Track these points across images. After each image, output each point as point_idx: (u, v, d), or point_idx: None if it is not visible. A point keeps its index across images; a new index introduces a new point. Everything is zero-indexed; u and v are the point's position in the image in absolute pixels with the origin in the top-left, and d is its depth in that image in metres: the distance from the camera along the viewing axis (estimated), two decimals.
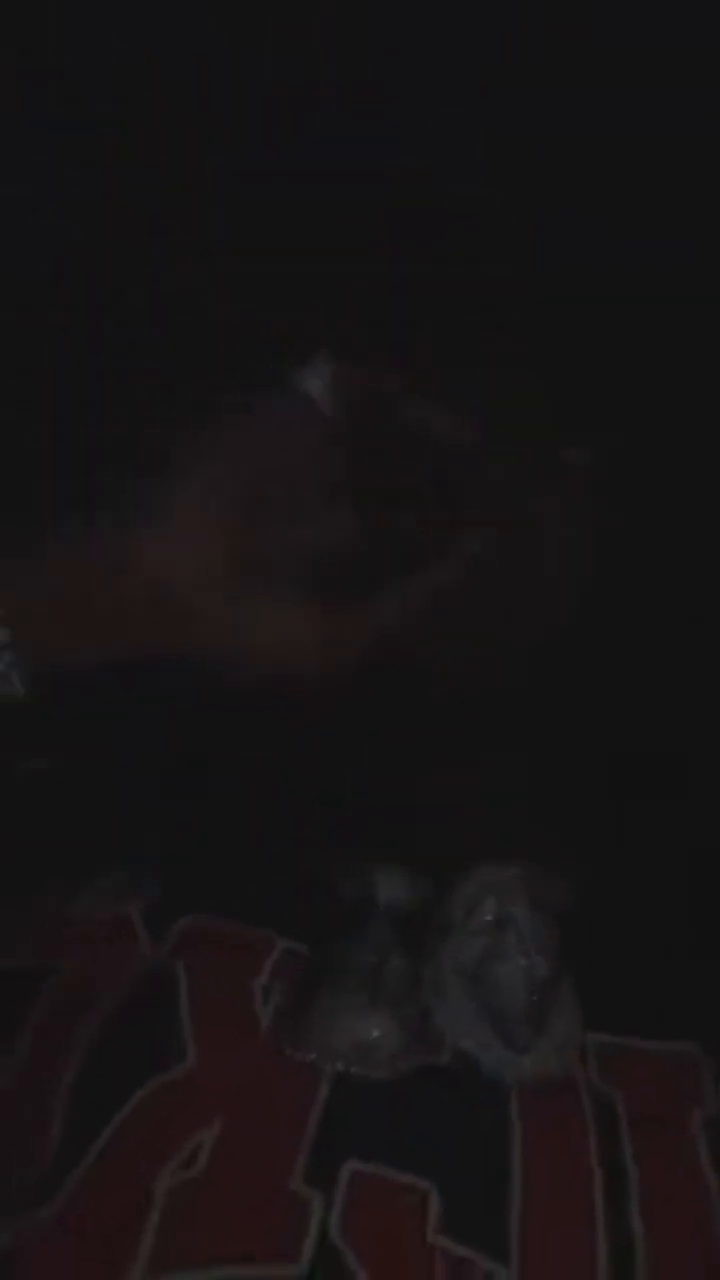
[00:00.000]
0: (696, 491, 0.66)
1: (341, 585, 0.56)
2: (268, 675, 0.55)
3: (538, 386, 0.65)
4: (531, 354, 0.66)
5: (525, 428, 0.63)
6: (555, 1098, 0.56)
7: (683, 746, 0.65)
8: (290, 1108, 0.53)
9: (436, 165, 0.73)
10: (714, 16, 0.75)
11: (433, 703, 0.64)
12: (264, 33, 0.79)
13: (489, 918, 0.58)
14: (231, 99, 0.80)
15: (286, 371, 0.57)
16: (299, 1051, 0.55)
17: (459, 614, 0.59)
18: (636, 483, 0.65)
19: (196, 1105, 0.53)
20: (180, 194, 0.75)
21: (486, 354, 0.66)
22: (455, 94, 0.78)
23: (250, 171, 0.74)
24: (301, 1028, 0.55)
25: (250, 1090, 0.54)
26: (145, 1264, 0.49)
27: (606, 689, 0.64)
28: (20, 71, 0.80)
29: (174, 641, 0.54)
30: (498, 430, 0.62)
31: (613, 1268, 0.51)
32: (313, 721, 0.64)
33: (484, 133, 0.70)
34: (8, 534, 0.53)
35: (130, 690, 0.54)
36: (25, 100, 0.78)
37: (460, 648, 0.63)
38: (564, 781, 0.65)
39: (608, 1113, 0.55)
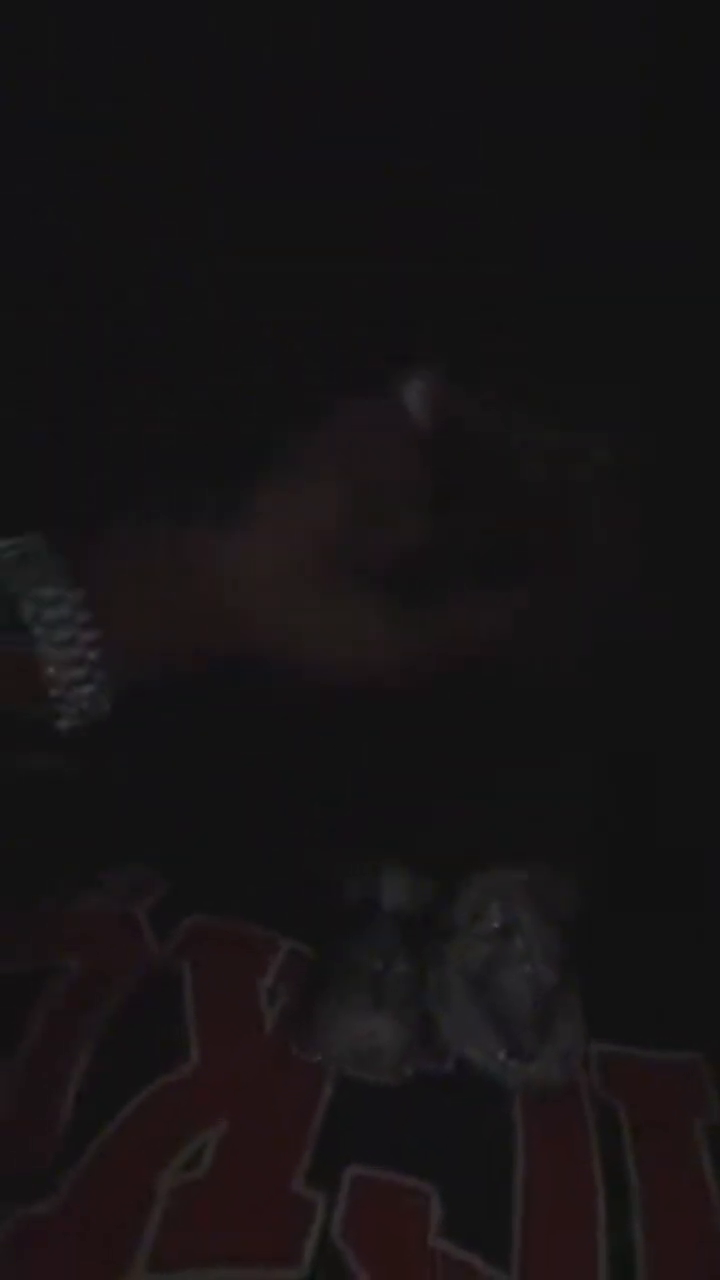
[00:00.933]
0: None
1: (421, 592, 0.55)
2: (345, 681, 0.55)
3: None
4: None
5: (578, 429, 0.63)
6: (558, 1105, 0.55)
7: (691, 752, 0.65)
8: (293, 1109, 0.53)
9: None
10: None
11: (443, 704, 0.64)
12: (264, 33, 0.79)
13: (495, 923, 0.58)
14: (232, 99, 0.80)
15: (381, 379, 0.56)
16: (303, 1053, 0.55)
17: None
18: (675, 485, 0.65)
19: (200, 1105, 0.53)
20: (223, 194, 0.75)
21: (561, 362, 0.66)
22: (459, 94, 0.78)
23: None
24: (305, 1030, 0.55)
25: (254, 1091, 0.54)
26: (145, 1262, 0.49)
27: (615, 692, 0.64)
28: (20, 72, 0.80)
29: (260, 649, 0.53)
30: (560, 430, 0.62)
31: (613, 1275, 0.51)
32: (319, 722, 0.64)
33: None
34: (101, 552, 0.53)
35: (145, 694, 0.54)
36: (26, 100, 0.78)
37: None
38: (571, 787, 0.65)
39: (610, 1121, 0.55)
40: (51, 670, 0.50)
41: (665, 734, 0.65)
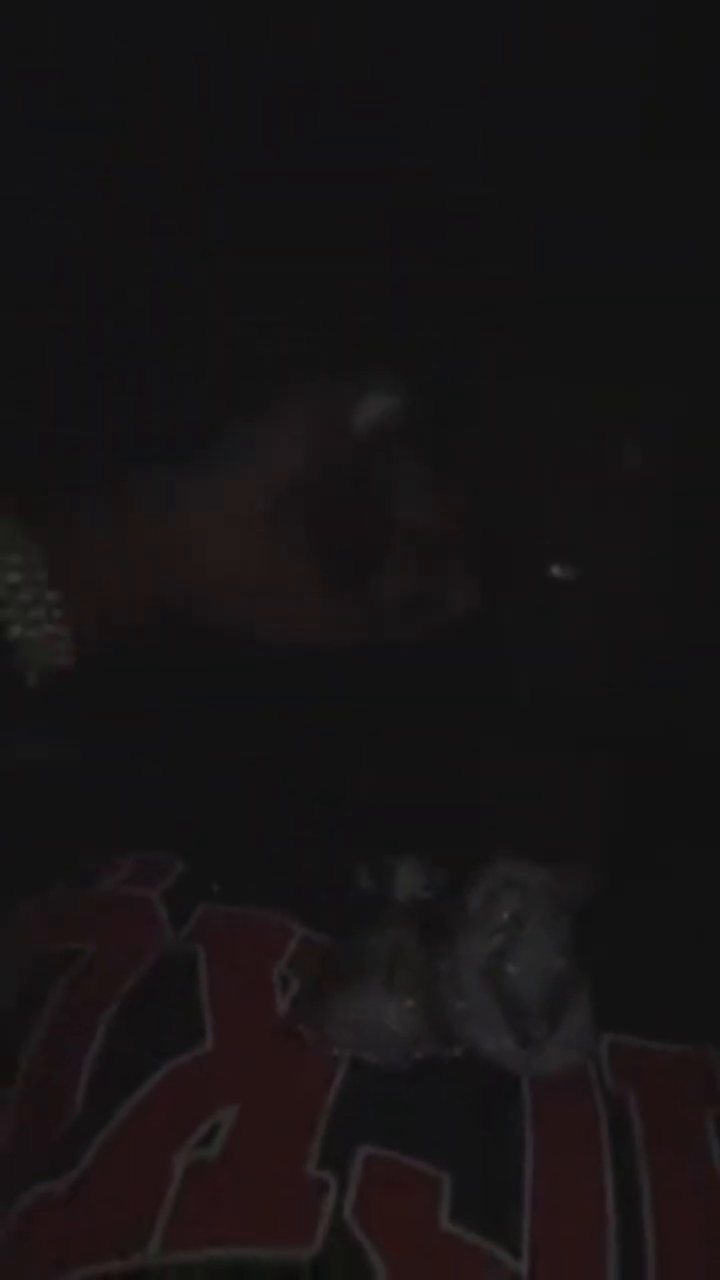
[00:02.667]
0: None
1: (360, 569, 0.58)
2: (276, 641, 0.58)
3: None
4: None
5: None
6: (568, 1093, 0.55)
7: (703, 742, 0.65)
8: (306, 1092, 0.53)
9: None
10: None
11: (457, 696, 0.64)
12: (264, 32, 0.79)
13: (506, 914, 0.58)
14: (231, 98, 0.80)
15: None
16: (315, 1039, 0.54)
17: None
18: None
19: (214, 1087, 0.53)
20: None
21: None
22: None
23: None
24: (317, 1015, 0.55)
25: (267, 1074, 0.53)
26: (160, 1239, 0.49)
27: (627, 683, 0.64)
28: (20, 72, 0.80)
29: (204, 602, 0.56)
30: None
31: (622, 1263, 0.50)
32: (335, 712, 0.64)
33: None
34: (57, 496, 0.54)
35: (156, 675, 0.55)
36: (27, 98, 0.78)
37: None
38: (582, 776, 0.65)
39: (620, 1109, 0.55)
40: (16, 630, 0.51)
41: (677, 724, 0.64)
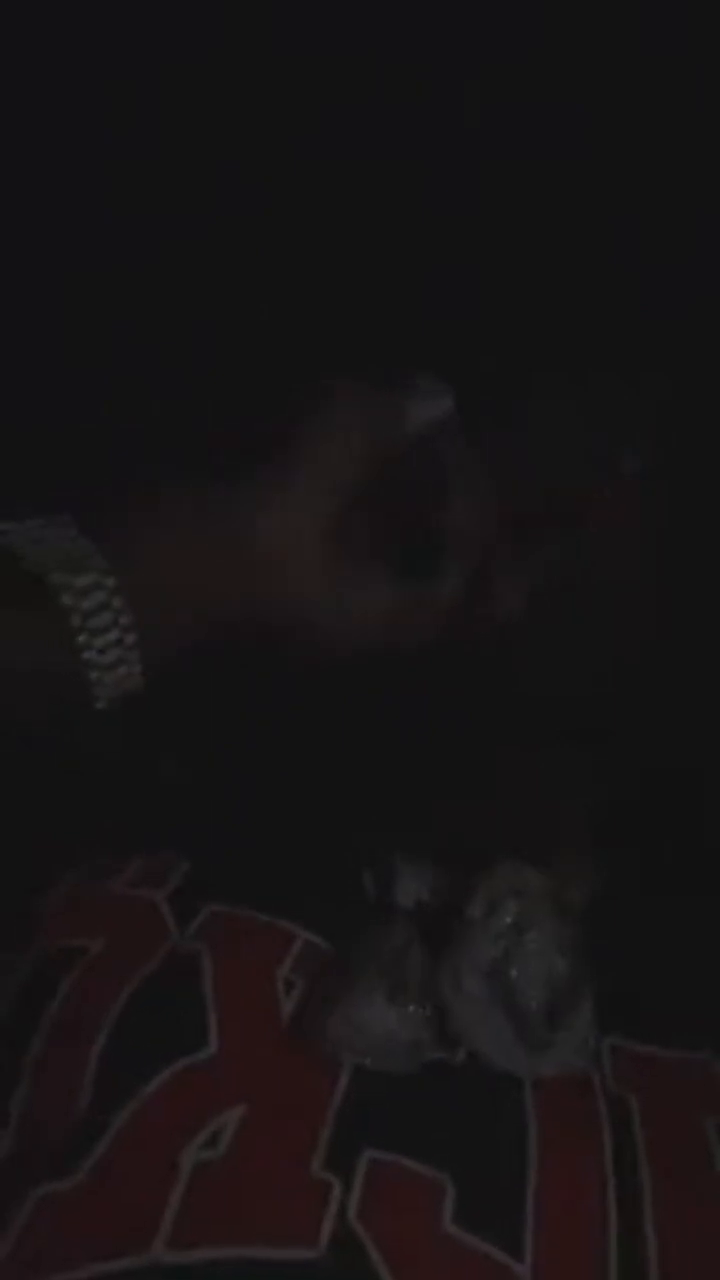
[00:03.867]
0: None
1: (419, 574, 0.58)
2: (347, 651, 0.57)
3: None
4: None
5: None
6: (571, 1096, 0.56)
7: (708, 751, 0.65)
8: (310, 1096, 0.54)
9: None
10: None
11: (458, 698, 0.64)
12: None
13: (508, 917, 0.58)
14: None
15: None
16: (319, 1043, 0.55)
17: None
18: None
19: (218, 1089, 0.53)
20: None
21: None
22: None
23: None
24: (321, 1020, 0.55)
25: (271, 1078, 0.54)
26: (167, 1237, 0.49)
27: (629, 685, 0.64)
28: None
29: (276, 620, 0.55)
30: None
31: (623, 1266, 0.51)
32: (338, 715, 0.65)
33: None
34: (129, 514, 0.53)
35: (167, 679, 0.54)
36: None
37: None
38: (586, 782, 0.65)
39: (622, 1113, 0.56)
40: (89, 655, 0.50)
41: (682, 726, 0.65)
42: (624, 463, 0.65)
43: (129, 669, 0.51)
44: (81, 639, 0.50)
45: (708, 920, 0.62)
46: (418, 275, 0.78)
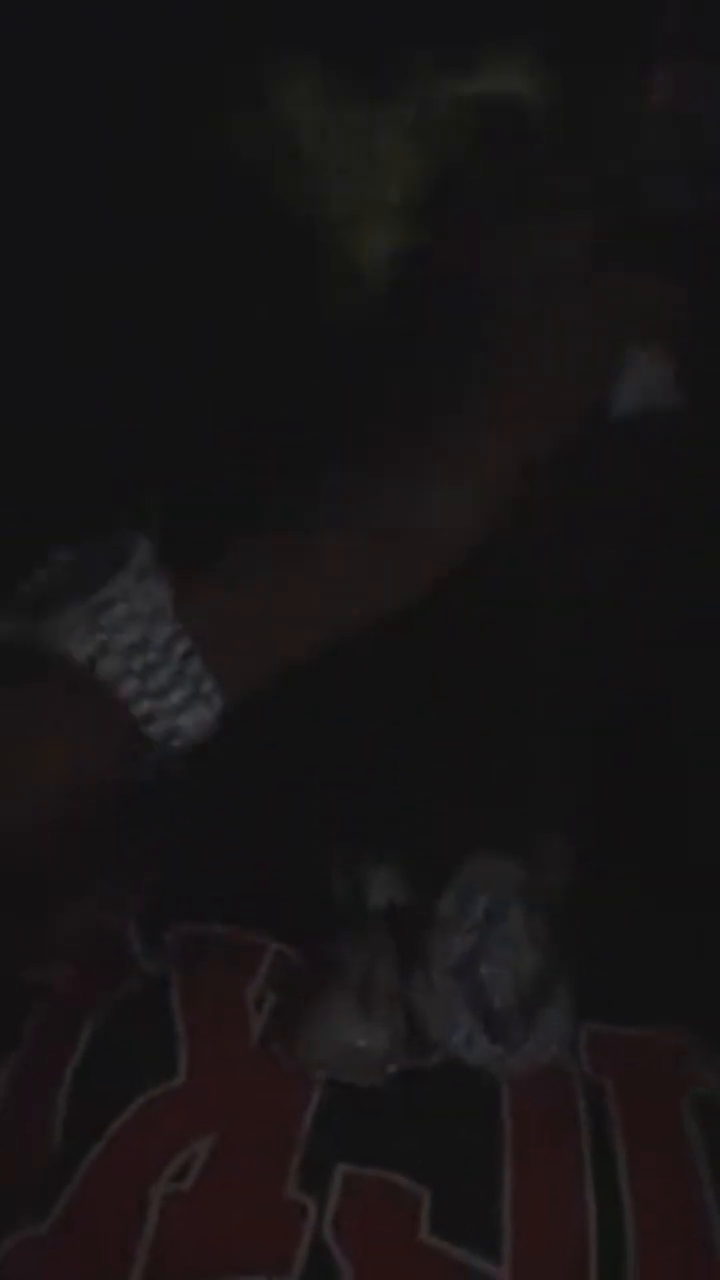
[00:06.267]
0: None
1: None
2: None
3: None
4: None
5: None
6: (546, 1091, 0.56)
7: (674, 731, 0.64)
8: (282, 1115, 0.54)
9: None
10: None
11: (424, 691, 0.63)
12: None
13: (479, 913, 0.58)
14: None
15: None
16: (290, 1061, 0.55)
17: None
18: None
19: (188, 1119, 0.54)
20: None
21: None
22: None
23: None
24: (292, 1037, 0.55)
25: (242, 1101, 0.54)
26: (142, 1272, 0.50)
27: (601, 672, 0.63)
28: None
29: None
30: None
31: (604, 1261, 0.51)
32: (302, 718, 0.64)
33: None
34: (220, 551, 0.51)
35: None
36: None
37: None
38: (553, 768, 0.64)
39: (598, 1101, 0.56)
40: (145, 708, 0.48)
41: (652, 712, 0.63)
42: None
43: (200, 713, 0.49)
44: (139, 706, 0.48)
45: (679, 901, 0.62)
46: None
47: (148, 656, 0.47)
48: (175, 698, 0.48)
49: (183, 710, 0.48)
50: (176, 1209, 0.51)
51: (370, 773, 0.64)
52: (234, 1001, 0.57)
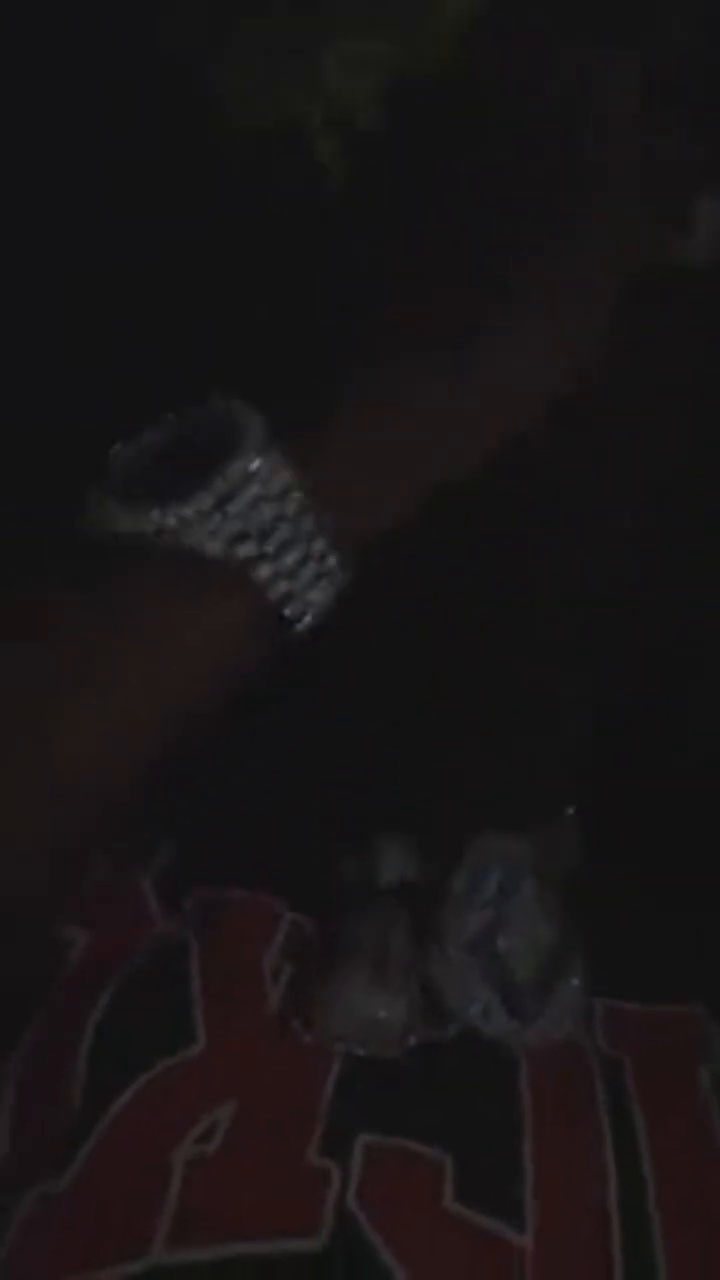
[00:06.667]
0: None
1: None
2: None
3: None
4: None
5: None
6: (563, 1065, 0.56)
7: (688, 708, 0.64)
8: (302, 1085, 0.53)
9: None
10: None
11: (434, 666, 0.63)
12: None
13: (493, 888, 0.58)
14: None
15: None
16: (308, 1033, 0.55)
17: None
18: None
19: (208, 1086, 0.53)
20: None
21: None
22: None
23: None
24: (308, 1010, 0.55)
25: (261, 1071, 0.54)
26: (164, 1238, 0.49)
27: (610, 642, 0.63)
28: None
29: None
30: None
31: (626, 1230, 0.51)
32: (317, 693, 0.63)
33: None
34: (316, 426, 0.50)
35: None
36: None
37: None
38: (564, 743, 0.64)
39: (616, 1075, 0.56)
40: (282, 589, 0.48)
41: (664, 684, 0.64)
42: None
43: (327, 586, 0.48)
44: (275, 587, 0.47)
45: (692, 877, 0.62)
46: None
47: (281, 536, 0.47)
48: (305, 575, 0.48)
49: (313, 587, 0.48)
50: (199, 1173, 0.50)
51: (381, 749, 0.64)
52: (251, 967, 0.57)
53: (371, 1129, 0.52)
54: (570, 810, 0.63)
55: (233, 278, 0.63)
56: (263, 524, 0.47)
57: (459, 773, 0.63)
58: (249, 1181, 0.50)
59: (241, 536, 0.47)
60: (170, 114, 0.64)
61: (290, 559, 0.47)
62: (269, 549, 0.47)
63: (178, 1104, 0.52)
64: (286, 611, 0.48)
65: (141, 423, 0.50)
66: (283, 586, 0.47)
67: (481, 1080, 0.55)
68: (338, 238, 0.61)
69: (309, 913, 0.59)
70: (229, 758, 0.63)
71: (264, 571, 0.47)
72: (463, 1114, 0.53)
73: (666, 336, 0.59)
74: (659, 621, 0.62)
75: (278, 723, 0.64)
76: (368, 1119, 0.52)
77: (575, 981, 0.57)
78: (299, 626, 0.49)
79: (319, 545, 0.48)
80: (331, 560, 0.48)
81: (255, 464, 0.47)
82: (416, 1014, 0.56)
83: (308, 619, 0.49)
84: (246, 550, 0.47)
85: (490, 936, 0.57)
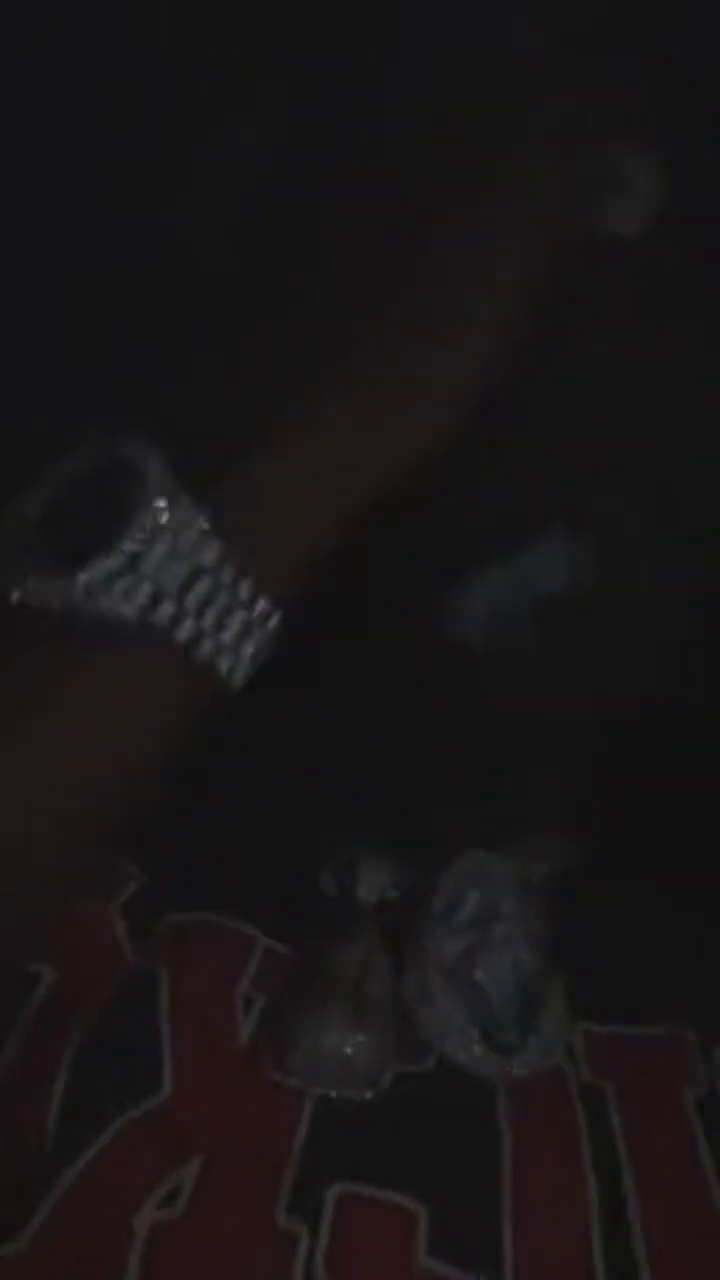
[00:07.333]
0: None
1: None
2: None
3: None
4: None
5: None
6: (544, 1095, 0.54)
7: (672, 722, 0.61)
8: (273, 1132, 0.51)
9: None
10: None
11: (418, 683, 0.60)
12: None
13: (473, 910, 0.56)
14: None
15: None
16: (280, 1073, 0.53)
17: None
18: None
19: (175, 1138, 0.51)
20: None
21: None
22: None
23: None
24: (282, 1049, 0.53)
25: (230, 1118, 0.52)
26: None
27: (600, 663, 0.60)
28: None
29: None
30: None
31: (610, 1267, 0.50)
32: (293, 706, 0.61)
33: None
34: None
35: None
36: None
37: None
38: (547, 761, 0.61)
39: (598, 1103, 0.54)
40: (207, 649, 0.44)
41: (650, 704, 0.60)
42: None
43: (260, 634, 0.45)
44: (198, 651, 0.44)
45: (675, 898, 0.59)
46: None
47: (200, 591, 0.44)
48: (234, 627, 0.44)
49: (245, 637, 0.45)
50: (163, 1239, 0.49)
51: (360, 766, 0.61)
52: (223, 1003, 0.55)
53: (344, 1177, 0.50)
54: (553, 830, 0.60)
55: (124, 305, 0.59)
56: (181, 581, 0.43)
57: (439, 788, 0.60)
58: (213, 1251, 0.49)
59: (157, 598, 0.43)
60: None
61: (213, 614, 0.44)
62: (188, 606, 0.43)
63: (141, 1163, 0.50)
64: (219, 669, 0.45)
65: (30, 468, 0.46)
66: (208, 646, 0.44)
67: (459, 1115, 0.53)
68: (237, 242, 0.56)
69: (284, 938, 0.57)
70: (197, 778, 0.61)
71: (185, 632, 0.44)
72: (439, 1155, 0.52)
73: (602, 315, 0.54)
74: (643, 626, 0.58)
75: (250, 739, 0.62)
76: (340, 1166, 0.51)
77: (557, 1014, 0.55)
78: (233, 681, 0.45)
79: (244, 591, 0.44)
80: (262, 604, 0.45)
81: (164, 515, 0.43)
82: (392, 1050, 0.54)
83: (241, 672, 0.45)
84: (164, 612, 0.43)
85: (469, 964, 0.55)
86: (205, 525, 0.44)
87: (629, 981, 0.57)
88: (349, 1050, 0.53)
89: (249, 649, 0.45)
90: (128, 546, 0.43)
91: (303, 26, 0.55)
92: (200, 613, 0.44)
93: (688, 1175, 0.53)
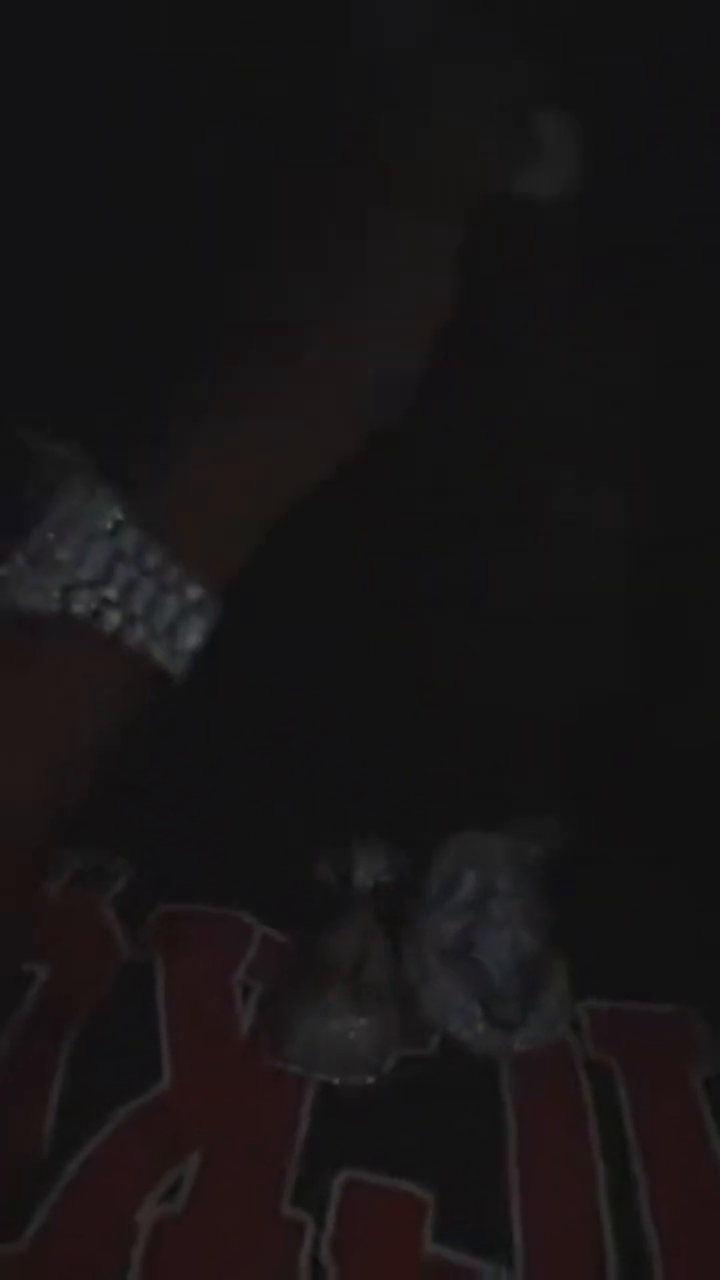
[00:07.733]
0: None
1: None
2: None
3: None
4: None
5: None
6: (549, 1073, 0.53)
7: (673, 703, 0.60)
8: (276, 1120, 0.51)
9: None
10: None
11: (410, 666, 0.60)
12: None
13: (470, 891, 0.56)
14: None
15: None
16: (280, 1061, 0.52)
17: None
18: None
19: (176, 1130, 0.50)
20: None
21: None
22: None
23: None
24: (281, 1036, 0.53)
25: (231, 1110, 0.51)
26: None
27: (590, 638, 0.59)
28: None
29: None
30: None
31: (620, 1246, 0.49)
32: (285, 693, 0.60)
33: None
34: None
35: None
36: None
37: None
38: (544, 738, 0.61)
39: (605, 1081, 0.53)
40: (139, 635, 0.43)
41: (644, 682, 0.59)
42: None
43: (197, 621, 0.44)
44: (129, 638, 0.43)
45: (676, 872, 0.58)
46: None
47: (121, 579, 0.43)
48: (167, 614, 0.44)
49: (179, 626, 0.44)
50: (166, 1233, 0.48)
51: (353, 752, 0.60)
52: (221, 993, 0.54)
53: (349, 1164, 0.50)
54: (550, 809, 0.59)
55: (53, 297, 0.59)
56: (95, 573, 0.43)
57: (432, 773, 0.60)
58: (217, 1244, 0.48)
59: (74, 588, 0.43)
60: None
61: (140, 601, 0.43)
62: (110, 595, 0.43)
63: (142, 1158, 0.50)
64: (155, 657, 0.44)
65: None
66: (139, 634, 0.43)
67: (464, 1098, 0.52)
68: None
69: (281, 925, 0.56)
70: (189, 767, 0.60)
71: (111, 621, 0.43)
72: (445, 1140, 0.51)
73: (523, 284, 0.53)
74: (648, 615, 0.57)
75: (242, 727, 0.61)
76: (345, 1153, 0.50)
77: (559, 989, 0.54)
78: (174, 669, 0.45)
79: (170, 577, 0.44)
80: (194, 590, 0.44)
81: (76, 506, 0.43)
82: (394, 1034, 0.53)
83: (181, 661, 0.44)
84: (83, 602, 0.43)
85: (468, 943, 0.55)
86: (120, 515, 0.43)
87: (631, 962, 0.57)
88: (351, 1036, 0.52)
89: (190, 638, 0.44)
90: (38, 539, 0.42)
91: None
92: (125, 601, 0.43)
93: (696, 1152, 0.52)
